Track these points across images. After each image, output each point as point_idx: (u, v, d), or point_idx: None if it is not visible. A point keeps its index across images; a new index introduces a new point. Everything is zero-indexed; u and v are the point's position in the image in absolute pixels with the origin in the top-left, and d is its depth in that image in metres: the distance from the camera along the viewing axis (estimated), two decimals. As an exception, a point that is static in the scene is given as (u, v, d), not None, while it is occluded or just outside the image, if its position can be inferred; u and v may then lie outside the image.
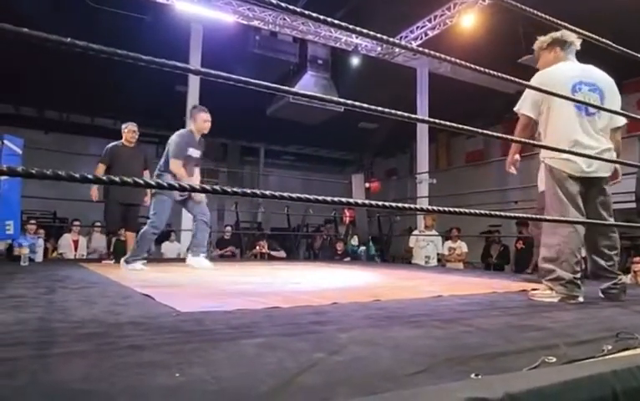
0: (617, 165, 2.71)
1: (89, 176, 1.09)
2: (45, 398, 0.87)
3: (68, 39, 1.10)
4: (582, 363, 1.13)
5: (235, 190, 1.34)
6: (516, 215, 2.48)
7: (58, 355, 1.17)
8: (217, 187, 1.28)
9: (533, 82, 2.58)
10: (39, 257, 5.02)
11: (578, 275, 2.47)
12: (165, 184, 1.32)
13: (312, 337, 1.43)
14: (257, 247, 7.62)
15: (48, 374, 1.00)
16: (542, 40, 2.80)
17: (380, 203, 1.62)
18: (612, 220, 2.63)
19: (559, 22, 2.06)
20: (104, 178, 1.12)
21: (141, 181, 1.16)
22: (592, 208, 2.58)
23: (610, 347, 1.29)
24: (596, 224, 2.52)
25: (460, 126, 1.82)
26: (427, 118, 2.06)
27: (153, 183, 1.40)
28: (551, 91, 2.33)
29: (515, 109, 2.70)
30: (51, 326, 1.54)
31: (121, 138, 5.06)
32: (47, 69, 8.24)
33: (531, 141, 2.45)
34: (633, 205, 4.56)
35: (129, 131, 5.02)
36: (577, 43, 2.73)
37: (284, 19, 7.84)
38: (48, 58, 7.44)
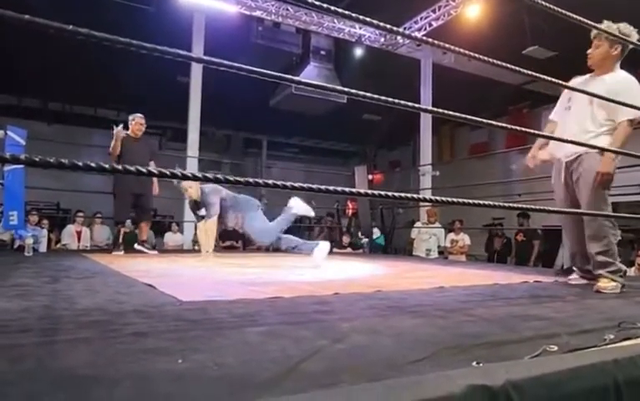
0: None
1: (92, 164, 1.09)
2: (51, 383, 0.88)
3: (70, 27, 1.10)
4: (584, 352, 1.14)
5: (238, 179, 1.34)
6: (518, 206, 2.47)
7: (63, 342, 1.18)
8: (220, 176, 1.28)
9: (636, 84, 2.52)
10: (43, 248, 5.05)
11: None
12: (168, 172, 1.32)
13: (315, 325, 1.44)
14: None
15: (54, 360, 1.01)
16: (612, 28, 2.49)
17: (382, 193, 1.61)
18: None
19: (567, 13, 2.04)
20: (107, 166, 1.12)
21: (144, 170, 1.16)
22: None
23: (612, 337, 1.29)
24: (614, 216, 2.58)
25: (465, 116, 1.81)
26: (431, 107, 2.06)
27: (156, 172, 1.39)
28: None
29: (629, 117, 2.48)
30: (56, 314, 1.55)
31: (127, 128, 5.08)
32: (50, 61, 8.24)
33: (530, 130, 2.42)
34: (639, 197, 4.54)
35: (137, 123, 5.05)
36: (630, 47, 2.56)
37: (287, 10, 7.79)
38: (51, 49, 7.44)
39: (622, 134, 2.51)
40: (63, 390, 0.84)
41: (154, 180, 5.06)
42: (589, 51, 2.66)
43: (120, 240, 5.02)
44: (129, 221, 5.51)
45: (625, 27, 2.52)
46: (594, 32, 2.56)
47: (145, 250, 5.12)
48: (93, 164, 1.10)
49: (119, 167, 1.13)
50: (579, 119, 2.64)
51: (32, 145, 4.71)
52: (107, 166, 1.11)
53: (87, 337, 1.23)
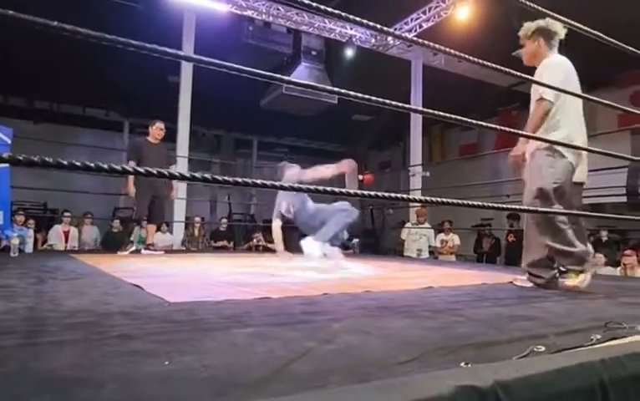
0: None
1: (77, 164, 1.08)
2: (35, 385, 0.86)
3: (55, 23, 1.08)
4: (571, 352, 1.14)
5: (227, 179, 1.32)
6: (507, 206, 2.49)
7: (47, 343, 1.16)
8: (208, 175, 1.27)
9: (552, 67, 2.60)
10: (29, 248, 4.98)
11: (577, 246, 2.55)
12: (167, 173, 1.31)
13: (304, 326, 1.43)
14: (254, 239, 7.59)
15: (38, 362, 0.99)
16: (528, 27, 2.75)
17: (372, 193, 1.61)
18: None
19: (553, 14, 2.06)
20: (92, 165, 1.10)
21: (118, 167, 1.15)
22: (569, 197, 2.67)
23: (598, 337, 1.30)
24: (580, 215, 2.58)
25: (455, 117, 1.81)
26: (421, 108, 2.06)
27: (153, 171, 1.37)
28: (563, 83, 2.36)
29: (540, 92, 2.56)
30: (41, 315, 1.53)
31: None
32: (36, 58, 8.13)
33: (518, 131, 2.45)
34: (624, 198, 4.60)
35: (157, 128, 5.19)
36: (562, 33, 2.69)
37: (278, 9, 7.78)
38: (38, 46, 7.34)
39: (532, 114, 2.60)
40: (47, 392, 0.83)
41: (174, 184, 5.27)
42: (522, 51, 2.83)
43: (132, 237, 5.13)
44: (117, 222, 5.49)
45: (542, 21, 2.66)
46: (520, 34, 2.77)
47: (152, 252, 5.22)
48: (78, 164, 1.08)
49: (105, 167, 1.11)
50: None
51: (18, 144, 4.65)
52: (92, 165, 1.09)
53: (72, 339, 1.21)
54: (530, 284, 2.70)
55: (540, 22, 2.69)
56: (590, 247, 2.72)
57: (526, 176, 2.69)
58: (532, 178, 2.62)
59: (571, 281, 2.52)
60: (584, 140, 2.69)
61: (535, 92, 2.60)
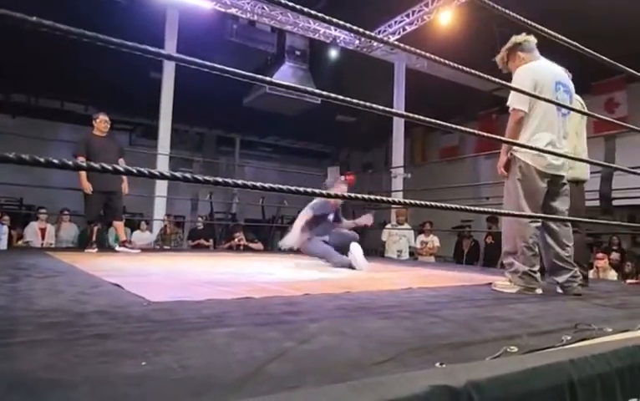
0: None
1: (55, 161, 1.06)
2: (6, 386, 0.84)
3: (34, 18, 1.06)
4: (542, 353, 1.18)
5: (207, 178, 1.32)
6: (486, 210, 2.54)
7: (20, 344, 1.14)
8: (189, 175, 1.27)
9: (521, 74, 2.66)
10: (3, 245, 4.87)
11: (535, 267, 2.59)
12: (147, 172, 1.29)
13: (283, 326, 1.44)
14: (235, 239, 7.55)
15: (10, 363, 0.97)
16: (502, 55, 2.85)
17: (354, 195, 1.63)
18: (566, 215, 2.77)
19: (530, 22, 2.11)
20: (70, 163, 1.08)
21: (109, 167, 1.14)
22: (552, 202, 2.70)
23: (569, 338, 1.34)
24: (556, 219, 2.63)
25: (437, 122, 1.84)
26: (404, 112, 2.08)
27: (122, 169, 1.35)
28: (534, 87, 2.43)
29: (508, 104, 2.67)
30: (13, 314, 1.49)
31: (89, 124, 4.98)
32: (14, 51, 7.92)
33: (498, 137, 2.50)
34: (597, 202, 4.73)
35: (101, 121, 4.96)
36: (531, 37, 2.77)
37: (262, 8, 7.76)
38: (15, 39, 7.15)
39: (508, 125, 2.65)
40: (17, 394, 0.82)
41: (125, 179, 4.98)
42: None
43: (94, 238, 4.93)
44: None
45: (519, 37, 2.78)
46: (501, 66, 2.88)
47: (129, 250, 5.07)
48: (56, 161, 1.06)
49: (83, 164, 1.10)
50: None
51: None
52: (70, 163, 1.08)
53: (45, 339, 1.19)
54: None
55: (507, 45, 2.80)
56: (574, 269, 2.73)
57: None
58: (508, 198, 2.72)
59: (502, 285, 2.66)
60: (569, 143, 2.78)
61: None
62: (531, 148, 2.43)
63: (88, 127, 5.03)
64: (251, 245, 7.57)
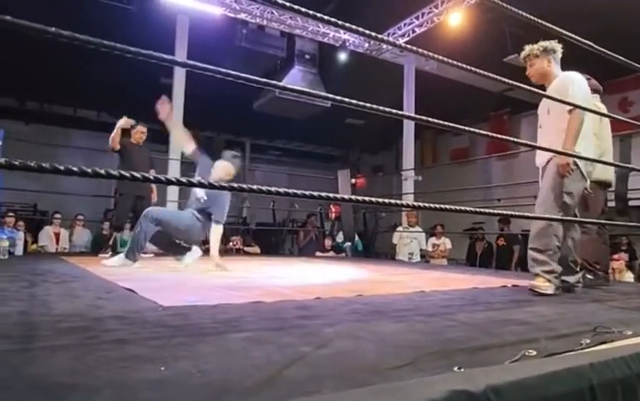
0: None
1: (74, 169, 1.07)
2: (29, 391, 0.86)
3: (53, 29, 1.08)
4: (561, 357, 1.16)
5: (223, 184, 1.33)
6: (500, 212, 2.52)
7: (40, 348, 1.15)
8: (194, 180, 1.27)
9: (576, 80, 2.74)
10: (19, 251, 4.93)
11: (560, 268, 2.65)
12: (163, 179, 1.30)
13: (298, 331, 1.44)
14: (231, 243, 7.56)
15: (32, 367, 0.98)
16: (534, 48, 2.88)
17: (366, 198, 1.63)
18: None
19: (543, 22, 2.09)
20: (89, 170, 1.10)
21: (115, 173, 1.15)
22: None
23: (588, 341, 1.33)
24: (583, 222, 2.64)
25: (448, 123, 1.84)
26: (414, 114, 2.07)
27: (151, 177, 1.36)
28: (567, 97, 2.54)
29: (576, 105, 2.62)
30: (33, 320, 1.52)
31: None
32: (27, 59, 8.05)
33: (508, 138, 2.48)
34: (612, 203, 4.67)
35: (137, 132, 5.19)
36: (560, 52, 2.88)
37: (271, 13, 7.79)
38: (29, 47, 7.27)
39: (569, 125, 2.65)
40: (39, 398, 0.83)
41: (154, 188, 5.24)
42: (527, 72, 2.93)
43: (111, 242, 5.06)
44: (107, 224, 5.45)
45: (545, 42, 2.84)
46: (523, 54, 2.91)
47: (142, 255, 5.12)
48: (75, 169, 1.08)
49: (103, 172, 1.11)
50: (544, 134, 2.86)
51: (8, 145, 4.60)
52: (89, 171, 1.09)
53: (65, 343, 1.21)
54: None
55: (545, 43, 2.84)
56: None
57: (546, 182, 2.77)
58: (547, 196, 2.72)
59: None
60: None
61: (556, 106, 2.68)
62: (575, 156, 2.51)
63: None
64: (247, 249, 7.58)
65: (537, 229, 2.70)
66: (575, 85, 2.72)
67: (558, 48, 2.85)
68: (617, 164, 3.83)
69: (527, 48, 2.90)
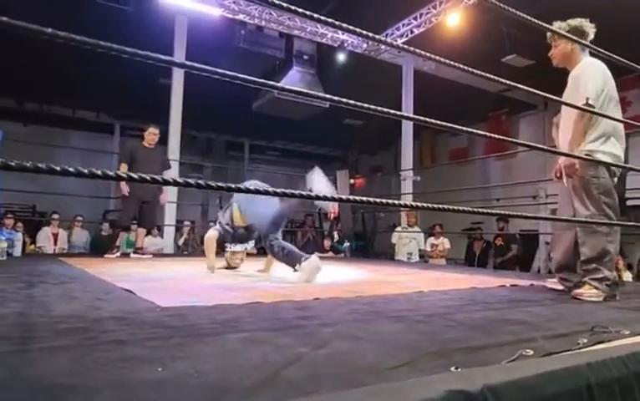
0: None
1: (71, 169, 1.07)
2: (28, 392, 0.86)
3: (50, 30, 1.08)
4: (559, 356, 1.17)
5: (230, 186, 1.32)
6: (497, 211, 2.52)
7: (39, 350, 1.16)
8: (202, 182, 1.28)
9: (596, 68, 2.49)
10: (18, 252, 4.92)
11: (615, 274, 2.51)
12: (171, 180, 1.31)
13: (296, 331, 1.44)
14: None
15: (31, 369, 0.98)
16: (561, 25, 2.60)
17: (365, 198, 1.63)
18: None
19: (541, 22, 2.10)
20: (85, 171, 1.10)
21: (99, 173, 1.15)
22: None
23: (585, 341, 1.33)
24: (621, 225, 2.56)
25: (446, 124, 1.84)
26: (412, 115, 2.08)
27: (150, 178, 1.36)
28: (603, 87, 2.37)
29: (586, 95, 2.42)
30: (31, 321, 1.52)
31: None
32: (26, 59, 8.05)
33: (506, 139, 2.48)
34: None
35: (150, 134, 5.21)
36: (592, 34, 2.59)
37: (270, 14, 7.79)
38: (28, 47, 7.26)
39: (575, 124, 2.47)
40: (39, 399, 0.83)
41: (165, 190, 5.26)
42: (550, 53, 2.70)
43: (118, 242, 5.09)
44: (106, 225, 5.47)
45: (573, 21, 2.58)
46: (549, 34, 2.61)
47: (140, 256, 5.20)
48: (71, 169, 1.08)
49: (99, 173, 1.11)
50: (564, 132, 2.65)
51: (7, 146, 4.60)
52: (86, 171, 1.09)
53: (64, 344, 1.21)
54: (561, 287, 2.74)
55: (573, 22, 2.59)
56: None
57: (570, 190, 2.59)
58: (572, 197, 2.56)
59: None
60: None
61: (574, 95, 2.48)
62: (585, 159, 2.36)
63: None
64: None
65: (586, 240, 2.49)
66: (590, 83, 2.45)
67: (589, 28, 2.57)
68: (617, 165, 3.83)
69: (555, 25, 2.55)
